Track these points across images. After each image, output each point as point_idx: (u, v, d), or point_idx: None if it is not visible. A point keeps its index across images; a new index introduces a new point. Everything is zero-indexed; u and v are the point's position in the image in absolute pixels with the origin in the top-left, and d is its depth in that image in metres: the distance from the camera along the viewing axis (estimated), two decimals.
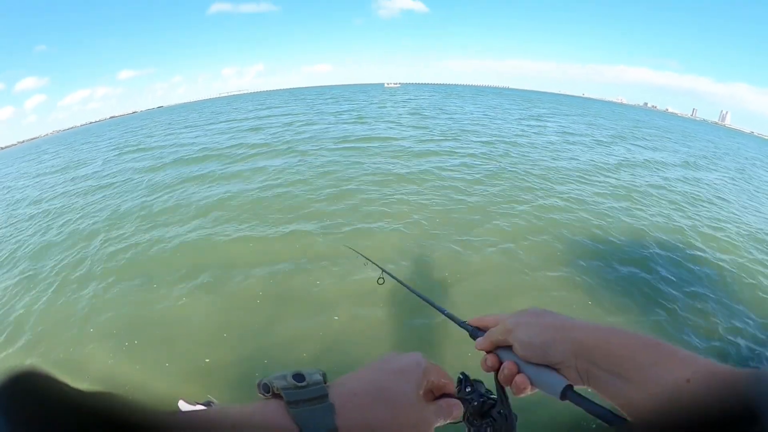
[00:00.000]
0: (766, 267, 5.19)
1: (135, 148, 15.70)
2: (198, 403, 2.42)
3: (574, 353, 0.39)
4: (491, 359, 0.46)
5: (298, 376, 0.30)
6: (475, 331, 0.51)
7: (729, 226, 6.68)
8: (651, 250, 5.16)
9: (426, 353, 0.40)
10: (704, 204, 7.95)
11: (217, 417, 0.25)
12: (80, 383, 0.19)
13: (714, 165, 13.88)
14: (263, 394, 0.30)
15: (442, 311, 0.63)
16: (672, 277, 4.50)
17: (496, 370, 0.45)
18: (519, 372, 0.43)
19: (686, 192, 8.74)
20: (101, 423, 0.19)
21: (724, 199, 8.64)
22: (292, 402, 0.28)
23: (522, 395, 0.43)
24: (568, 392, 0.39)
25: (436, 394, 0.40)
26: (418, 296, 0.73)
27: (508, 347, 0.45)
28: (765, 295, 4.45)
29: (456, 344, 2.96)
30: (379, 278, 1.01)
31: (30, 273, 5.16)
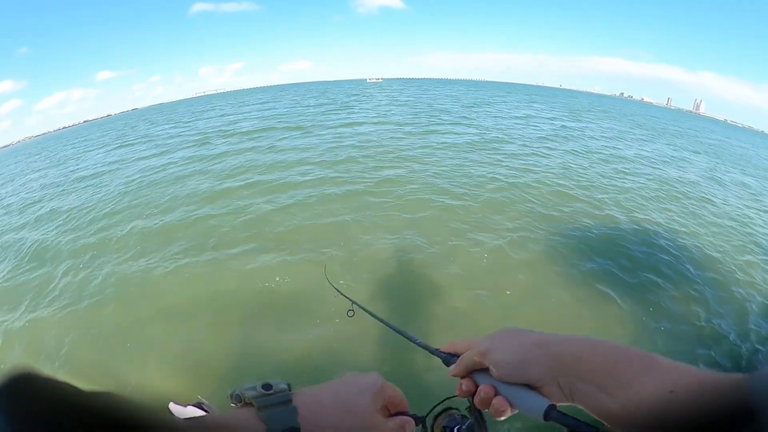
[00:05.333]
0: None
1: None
2: (189, 405, 2.39)
3: (555, 369, 0.38)
4: (467, 383, 0.45)
5: (267, 386, 0.34)
6: (448, 358, 0.50)
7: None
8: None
9: (399, 377, 0.52)
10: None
11: (197, 423, 0.28)
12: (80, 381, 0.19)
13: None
14: (236, 404, 0.34)
15: (414, 341, 0.62)
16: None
17: (473, 395, 0.44)
18: (497, 395, 0.42)
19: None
20: (101, 422, 0.20)
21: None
22: (262, 407, 0.32)
23: (502, 418, 0.42)
24: (551, 413, 0.38)
25: (392, 412, 0.44)
26: (389, 327, 0.72)
27: (484, 370, 0.44)
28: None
29: (428, 369, 2.81)
30: (349, 311, 0.96)
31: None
